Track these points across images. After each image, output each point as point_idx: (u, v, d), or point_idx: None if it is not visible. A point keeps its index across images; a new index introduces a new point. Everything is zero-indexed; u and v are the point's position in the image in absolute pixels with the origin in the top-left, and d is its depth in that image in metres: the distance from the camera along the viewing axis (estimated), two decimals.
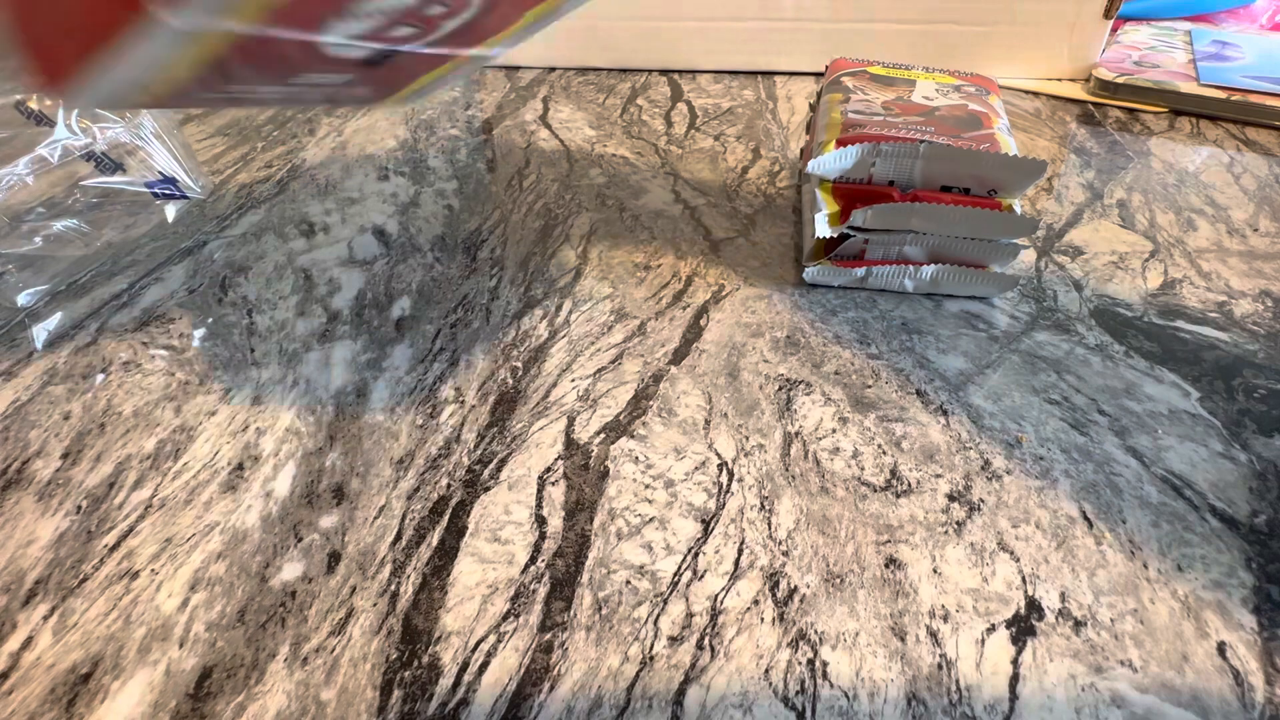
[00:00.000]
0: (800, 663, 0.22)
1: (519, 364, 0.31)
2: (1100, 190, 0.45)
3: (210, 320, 0.34)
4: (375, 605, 0.23)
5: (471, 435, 0.28)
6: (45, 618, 0.22)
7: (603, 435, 0.28)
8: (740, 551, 0.24)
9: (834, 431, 0.29)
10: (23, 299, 0.33)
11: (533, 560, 0.24)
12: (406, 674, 0.21)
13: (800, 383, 0.31)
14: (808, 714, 0.20)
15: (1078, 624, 0.23)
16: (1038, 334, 0.33)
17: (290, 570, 0.24)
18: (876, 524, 0.25)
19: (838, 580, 0.24)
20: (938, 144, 0.33)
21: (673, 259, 0.38)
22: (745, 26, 0.59)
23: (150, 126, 0.36)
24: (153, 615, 0.23)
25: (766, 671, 0.21)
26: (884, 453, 0.28)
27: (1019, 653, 0.22)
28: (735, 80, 0.60)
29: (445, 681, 0.21)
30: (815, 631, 0.22)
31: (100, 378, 0.30)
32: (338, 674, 0.21)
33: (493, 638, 0.22)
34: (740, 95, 0.57)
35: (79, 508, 0.26)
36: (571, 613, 0.23)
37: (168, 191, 0.36)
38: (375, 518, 0.25)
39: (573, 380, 0.31)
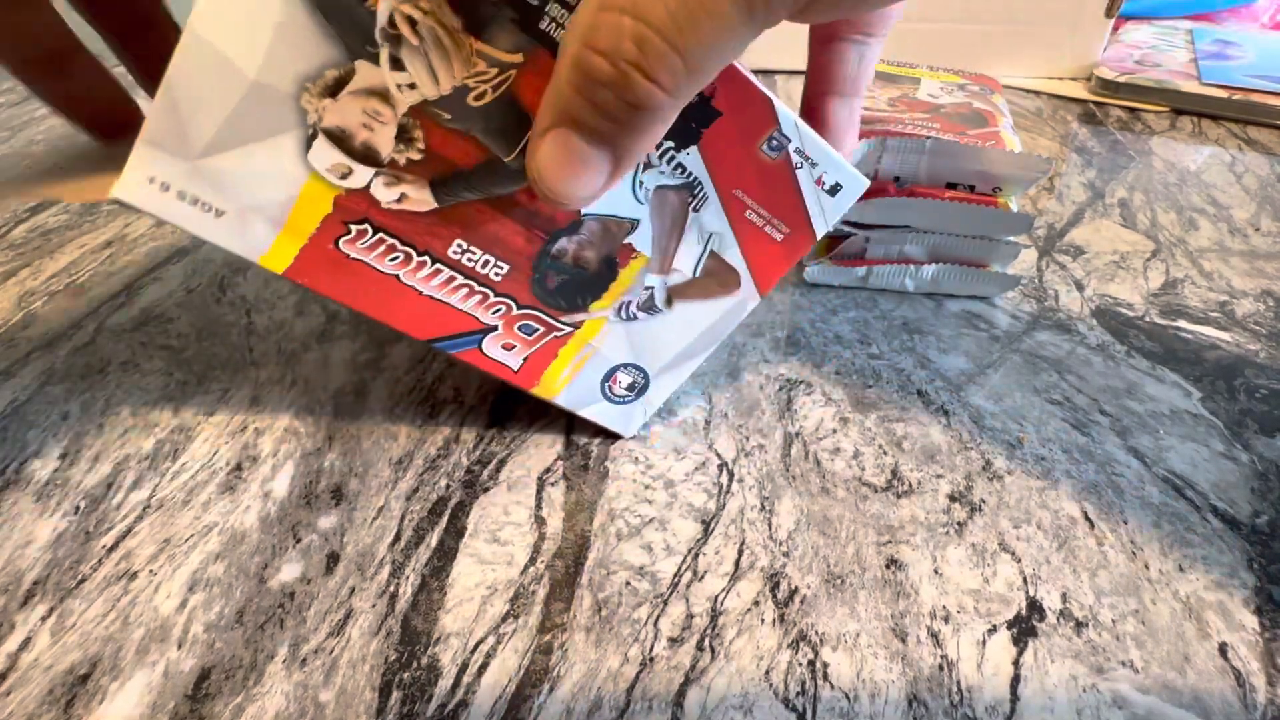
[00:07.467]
0: (801, 664, 0.21)
1: None
2: (1102, 190, 0.45)
3: (208, 320, 0.33)
4: (374, 606, 0.23)
5: (471, 435, 0.28)
6: (43, 618, 0.22)
7: (602, 435, 0.28)
8: (740, 552, 0.24)
9: (835, 432, 0.29)
10: None
11: (532, 561, 0.24)
12: (405, 675, 0.21)
13: (801, 383, 0.31)
14: (808, 715, 0.20)
15: (1079, 625, 0.23)
16: (1039, 334, 0.33)
17: (289, 571, 0.24)
18: (877, 524, 0.25)
19: (838, 581, 0.24)
20: (944, 140, 0.33)
21: None
22: None
23: None
24: (151, 616, 0.22)
25: (767, 673, 0.21)
26: (885, 453, 0.28)
27: (1020, 654, 0.22)
28: None
29: (444, 683, 0.21)
30: (816, 632, 0.22)
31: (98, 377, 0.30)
32: (336, 675, 0.21)
33: (492, 639, 0.22)
34: None
35: (77, 508, 0.25)
36: (571, 614, 0.23)
37: None
38: (374, 519, 0.25)
39: None
